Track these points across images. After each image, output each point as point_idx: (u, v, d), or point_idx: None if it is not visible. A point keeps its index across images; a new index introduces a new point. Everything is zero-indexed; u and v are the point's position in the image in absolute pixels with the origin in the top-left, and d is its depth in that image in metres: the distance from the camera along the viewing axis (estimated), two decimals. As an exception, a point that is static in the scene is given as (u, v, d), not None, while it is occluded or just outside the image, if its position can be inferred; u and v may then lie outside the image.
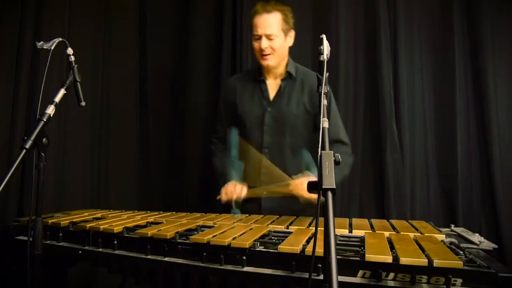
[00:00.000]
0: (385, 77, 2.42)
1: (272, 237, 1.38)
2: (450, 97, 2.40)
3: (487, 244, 1.27)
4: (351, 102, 2.52)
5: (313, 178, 1.62)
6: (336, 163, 0.93)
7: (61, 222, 1.59)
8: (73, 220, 1.64)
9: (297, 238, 1.29)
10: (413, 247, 1.17)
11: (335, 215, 0.87)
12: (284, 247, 1.18)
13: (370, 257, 1.07)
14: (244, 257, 1.22)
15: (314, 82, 1.90)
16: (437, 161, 2.44)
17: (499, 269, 1.00)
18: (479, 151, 2.37)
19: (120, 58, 2.89)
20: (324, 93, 1.08)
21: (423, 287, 1.03)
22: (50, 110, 1.33)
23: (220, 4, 2.77)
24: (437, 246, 1.19)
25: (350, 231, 1.44)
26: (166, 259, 1.34)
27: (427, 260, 1.03)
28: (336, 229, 1.00)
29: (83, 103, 1.46)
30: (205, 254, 1.27)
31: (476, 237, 1.31)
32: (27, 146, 1.25)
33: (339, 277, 0.77)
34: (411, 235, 1.35)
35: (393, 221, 1.63)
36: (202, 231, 1.45)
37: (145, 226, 1.56)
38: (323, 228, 0.84)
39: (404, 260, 1.04)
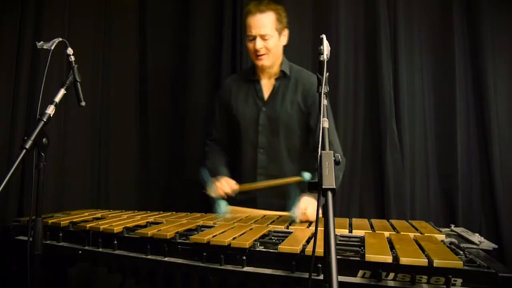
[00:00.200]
0: (385, 77, 2.41)
1: (272, 237, 1.38)
2: (450, 97, 2.40)
3: (487, 244, 1.27)
4: (351, 102, 2.52)
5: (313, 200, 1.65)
6: (336, 163, 0.93)
7: (61, 222, 1.59)
8: (73, 220, 1.64)
9: (297, 238, 1.29)
10: (413, 247, 1.17)
11: (335, 215, 0.87)
12: (284, 247, 1.18)
13: (370, 257, 1.07)
14: (244, 257, 1.22)
15: (308, 81, 1.94)
16: (437, 161, 2.44)
17: (499, 269, 1.00)
18: (479, 151, 2.37)
19: (120, 58, 2.88)
20: (324, 93, 1.08)
21: (423, 287, 1.03)
22: (50, 110, 1.33)
23: (220, 4, 2.76)
24: (437, 246, 1.19)
25: (350, 231, 1.44)
26: (166, 259, 1.34)
27: (427, 260, 1.04)
28: (336, 229, 1.00)
29: (83, 103, 1.46)
30: (205, 254, 1.27)
31: (476, 237, 1.31)
32: (27, 146, 1.24)
33: (339, 277, 0.77)
34: (411, 235, 1.35)
35: (393, 221, 1.63)
36: (202, 231, 1.45)
37: (145, 226, 1.56)
38: (323, 228, 0.84)
39: (404, 260, 1.04)
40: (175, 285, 1.34)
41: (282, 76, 1.96)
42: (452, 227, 1.56)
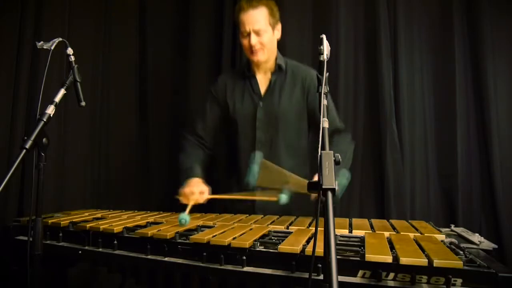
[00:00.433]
0: (385, 77, 2.41)
1: (272, 237, 1.38)
2: (450, 97, 2.40)
3: (487, 244, 1.27)
4: (351, 102, 2.52)
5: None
6: (336, 163, 0.93)
7: (61, 222, 1.59)
8: (73, 220, 1.64)
9: (297, 238, 1.29)
10: (413, 247, 1.17)
11: (335, 215, 0.87)
12: (284, 247, 1.18)
13: (370, 257, 1.07)
14: (244, 257, 1.22)
15: (307, 74, 1.93)
16: (437, 161, 2.44)
17: (499, 269, 1.00)
18: (479, 151, 2.36)
19: (120, 58, 2.89)
20: (324, 93, 1.08)
21: (423, 287, 1.03)
22: (50, 110, 1.33)
23: (220, 4, 2.76)
24: (437, 246, 1.19)
25: (350, 231, 1.44)
26: (166, 259, 1.34)
27: (427, 260, 1.03)
28: (336, 229, 1.00)
29: (83, 103, 1.46)
30: (205, 254, 1.27)
31: (476, 237, 1.31)
32: (27, 146, 1.24)
33: (339, 277, 0.77)
34: (411, 235, 1.35)
35: (393, 221, 1.63)
36: (202, 231, 1.45)
37: (145, 226, 1.56)
38: (323, 228, 0.84)
39: (404, 260, 1.04)
40: (175, 285, 1.34)
41: (277, 70, 1.95)
42: (452, 227, 1.56)
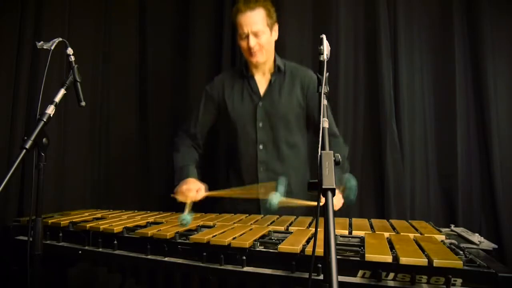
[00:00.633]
0: (385, 77, 2.41)
1: (272, 237, 1.38)
2: (450, 97, 2.40)
3: (487, 244, 1.27)
4: (351, 102, 2.52)
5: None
6: (336, 163, 0.93)
7: (61, 222, 1.59)
8: (73, 220, 1.64)
9: (297, 238, 1.29)
10: (413, 247, 1.17)
11: (335, 215, 0.87)
12: (284, 247, 1.18)
13: (370, 257, 1.07)
14: (244, 257, 1.22)
15: (305, 75, 1.94)
16: (437, 161, 2.44)
17: (499, 269, 1.00)
18: (479, 151, 2.37)
19: (120, 58, 2.88)
20: (324, 93, 1.08)
21: (423, 287, 1.03)
22: (50, 110, 1.33)
23: (220, 4, 2.76)
24: (437, 246, 1.19)
25: (350, 231, 1.44)
26: (166, 259, 1.34)
27: (427, 260, 1.03)
28: (336, 229, 1.00)
29: (83, 103, 1.46)
30: (205, 254, 1.27)
31: (476, 237, 1.31)
32: (27, 146, 1.24)
33: (339, 277, 0.77)
34: (411, 235, 1.35)
35: (393, 221, 1.63)
36: (202, 231, 1.45)
37: (145, 226, 1.56)
38: (323, 228, 0.84)
39: (404, 260, 1.04)
40: (175, 285, 1.34)
41: (277, 71, 1.96)
42: (452, 227, 1.56)
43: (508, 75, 2.36)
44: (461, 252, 1.16)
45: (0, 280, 1.85)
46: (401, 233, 1.38)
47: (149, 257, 1.37)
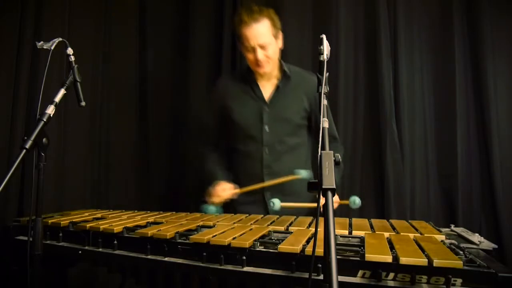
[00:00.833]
0: (385, 77, 2.41)
1: (272, 237, 1.38)
2: (450, 97, 2.40)
3: (487, 244, 1.27)
4: (351, 102, 2.52)
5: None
6: (336, 163, 0.93)
7: (61, 222, 1.59)
8: (73, 220, 1.64)
9: (297, 238, 1.29)
10: (413, 247, 1.17)
11: (335, 215, 0.87)
12: (284, 247, 1.18)
13: (370, 257, 1.07)
14: (244, 257, 1.22)
15: (310, 81, 1.94)
16: (437, 161, 2.44)
17: (499, 269, 1.00)
18: (479, 151, 2.37)
19: (120, 58, 2.88)
20: (324, 93, 1.08)
21: (423, 287, 1.03)
22: (50, 110, 1.33)
23: (220, 4, 2.77)
24: (437, 246, 1.18)
25: (350, 231, 1.44)
26: (166, 259, 1.34)
27: (427, 260, 1.03)
28: (336, 229, 1.00)
29: (83, 103, 1.46)
30: (205, 254, 1.27)
31: (476, 237, 1.31)
32: (27, 146, 1.24)
33: (339, 277, 0.77)
34: (411, 235, 1.35)
35: (393, 221, 1.63)
36: (202, 231, 1.45)
37: (145, 226, 1.56)
38: (323, 228, 0.84)
39: (404, 260, 1.04)
40: (175, 285, 1.34)
41: (283, 77, 1.96)
42: (452, 227, 1.56)
43: (508, 75, 2.36)
44: (461, 252, 1.16)
45: (0, 280, 1.85)
46: (401, 233, 1.38)
47: (149, 257, 1.37)
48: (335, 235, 1.06)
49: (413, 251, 1.12)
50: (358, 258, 1.11)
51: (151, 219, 1.68)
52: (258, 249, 1.24)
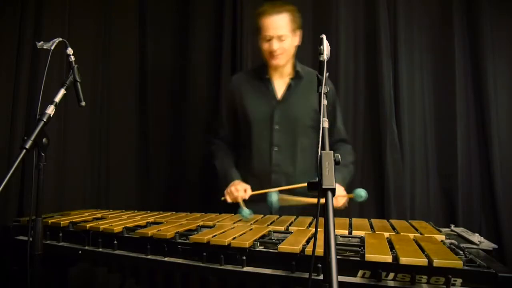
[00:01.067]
0: (385, 77, 2.41)
1: (272, 237, 1.38)
2: (450, 97, 2.40)
3: (487, 244, 1.27)
4: (351, 102, 2.52)
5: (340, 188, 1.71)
6: (336, 163, 0.93)
7: (61, 222, 1.59)
8: (73, 220, 1.64)
9: (297, 238, 1.29)
10: (413, 247, 1.17)
11: (335, 215, 0.87)
12: (284, 247, 1.18)
13: (370, 257, 1.07)
14: (244, 257, 1.22)
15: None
16: (437, 161, 2.44)
17: (499, 269, 1.00)
18: (479, 151, 2.36)
19: (120, 58, 2.88)
20: (324, 93, 1.08)
21: (423, 287, 1.03)
22: (50, 110, 1.33)
23: (220, 4, 2.77)
24: (437, 246, 1.19)
25: (350, 231, 1.44)
26: (166, 259, 1.34)
27: (427, 260, 1.04)
28: (336, 229, 1.00)
29: (83, 103, 1.46)
30: (205, 254, 1.27)
31: (476, 237, 1.31)
32: (27, 146, 1.24)
33: (339, 277, 0.77)
34: (411, 235, 1.35)
35: (393, 221, 1.63)
36: (202, 231, 1.45)
37: (145, 226, 1.56)
38: (323, 228, 0.84)
39: (404, 260, 1.04)
40: (175, 285, 1.34)
41: (296, 76, 1.97)
42: (452, 227, 1.56)
43: (508, 75, 2.36)
44: (461, 252, 1.16)
45: (0, 280, 1.85)
46: (401, 233, 1.38)
47: (149, 257, 1.37)
48: (335, 235, 1.06)
49: (413, 251, 1.12)
50: (358, 258, 1.12)
51: (151, 219, 1.68)
52: (258, 249, 1.24)
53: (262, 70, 2.00)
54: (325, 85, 1.09)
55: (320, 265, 1.09)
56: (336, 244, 1.07)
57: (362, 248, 1.16)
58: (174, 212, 1.89)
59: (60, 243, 1.56)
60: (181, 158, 2.86)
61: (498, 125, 2.30)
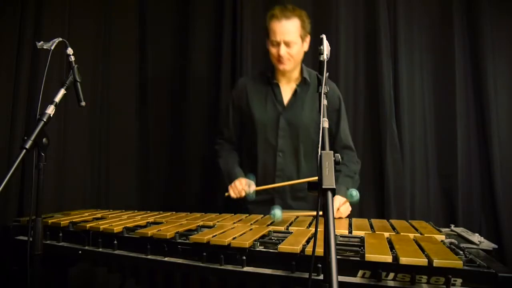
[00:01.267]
0: (385, 77, 2.41)
1: (272, 237, 1.38)
2: (450, 97, 2.40)
3: (487, 244, 1.27)
4: (351, 102, 2.52)
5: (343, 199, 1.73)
6: (336, 163, 0.93)
7: (61, 222, 1.59)
8: (73, 220, 1.64)
9: (297, 238, 1.29)
10: (413, 247, 1.17)
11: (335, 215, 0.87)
12: (284, 247, 1.18)
13: (370, 257, 1.07)
14: (244, 257, 1.22)
15: (328, 90, 1.93)
16: (437, 161, 2.44)
17: (499, 269, 1.00)
18: (479, 151, 2.37)
19: (120, 58, 2.88)
20: (324, 93, 1.08)
21: (423, 287, 1.03)
22: (50, 110, 1.34)
23: (220, 4, 2.77)
24: (437, 246, 1.18)
25: (350, 231, 1.44)
26: (166, 259, 1.34)
27: (427, 260, 1.03)
28: (336, 229, 1.00)
29: (83, 103, 1.46)
30: (205, 254, 1.27)
31: (476, 237, 1.31)
32: (27, 146, 1.25)
33: (339, 277, 0.77)
34: (411, 235, 1.35)
35: (393, 221, 1.63)
36: (202, 231, 1.45)
37: (145, 226, 1.56)
38: (323, 228, 0.84)
39: (404, 260, 1.04)
40: (175, 285, 1.34)
41: (302, 82, 1.96)
42: (452, 227, 1.56)
43: (508, 75, 2.36)
44: (461, 252, 1.16)
45: (0, 280, 1.85)
46: (401, 233, 1.38)
47: (149, 257, 1.37)
48: (335, 235, 1.06)
49: (413, 251, 1.12)
50: (358, 258, 1.12)
51: (151, 219, 1.68)
52: (258, 249, 1.24)
53: (270, 74, 1.99)
54: (325, 85, 1.09)
55: (320, 265, 1.09)
56: (336, 244, 1.08)
57: (362, 248, 1.16)
58: (174, 212, 1.89)
59: (60, 243, 1.56)
60: (181, 158, 2.86)
61: (498, 125, 2.30)
